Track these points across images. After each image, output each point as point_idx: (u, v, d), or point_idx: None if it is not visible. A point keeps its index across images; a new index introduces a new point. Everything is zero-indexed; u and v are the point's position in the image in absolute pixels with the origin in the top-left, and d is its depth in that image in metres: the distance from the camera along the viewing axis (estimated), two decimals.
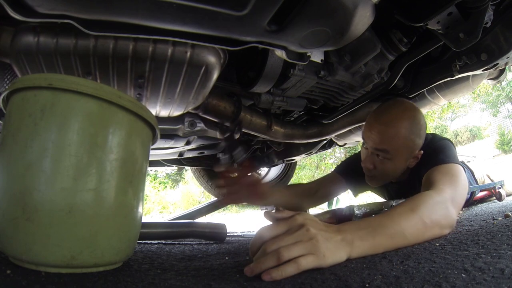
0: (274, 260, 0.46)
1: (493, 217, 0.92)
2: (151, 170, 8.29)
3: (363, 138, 1.00)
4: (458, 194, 0.74)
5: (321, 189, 1.25)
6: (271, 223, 0.55)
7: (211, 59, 0.75)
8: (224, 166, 0.97)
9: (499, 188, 1.53)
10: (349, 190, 1.31)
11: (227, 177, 0.96)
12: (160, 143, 1.18)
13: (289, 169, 2.39)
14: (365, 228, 0.56)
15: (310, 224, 0.51)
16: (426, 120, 0.98)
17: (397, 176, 1.03)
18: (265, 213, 0.59)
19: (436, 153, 0.90)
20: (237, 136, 1.04)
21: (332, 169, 1.34)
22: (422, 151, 0.95)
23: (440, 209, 0.65)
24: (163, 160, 1.62)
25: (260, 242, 0.52)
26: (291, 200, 1.17)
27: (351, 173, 1.20)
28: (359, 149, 1.11)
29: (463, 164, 1.00)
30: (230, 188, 0.97)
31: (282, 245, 0.48)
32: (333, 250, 0.49)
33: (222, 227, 1.14)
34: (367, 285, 0.39)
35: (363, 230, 0.55)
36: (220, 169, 0.97)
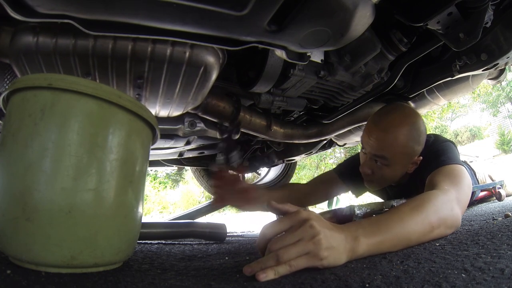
0: (273, 262, 0.46)
1: (493, 217, 0.92)
2: (151, 170, 8.29)
3: (361, 142, 1.00)
4: (462, 194, 0.73)
5: (316, 191, 1.24)
6: (274, 217, 0.54)
7: (210, 59, 0.75)
8: (219, 166, 0.98)
9: (499, 188, 1.53)
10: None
11: (220, 178, 0.97)
12: (160, 143, 1.18)
13: (289, 169, 2.39)
14: (370, 226, 0.55)
15: (314, 219, 0.49)
16: (426, 120, 0.98)
17: (396, 181, 1.03)
18: (268, 203, 0.57)
19: (439, 155, 0.90)
20: (235, 137, 1.04)
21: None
22: (421, 157, 0.95)
23: (446, 208, 0.65)
24: (163, 160, 1.62)
25: (264, 241, 0.51)
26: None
27: (351, 174, 1.18)
28: (360, 149, 1.11)
29: (465, 165, 0.99)
30: (221, 190, 0.98)
31: (284, 245, 0.47)
32: (334, 252, 0.48)
33: (222, 227, 1.14)
34: (367, 285, 0.39)
35: (368, 229, 0.54)
36: (214, 169, 0.98)
